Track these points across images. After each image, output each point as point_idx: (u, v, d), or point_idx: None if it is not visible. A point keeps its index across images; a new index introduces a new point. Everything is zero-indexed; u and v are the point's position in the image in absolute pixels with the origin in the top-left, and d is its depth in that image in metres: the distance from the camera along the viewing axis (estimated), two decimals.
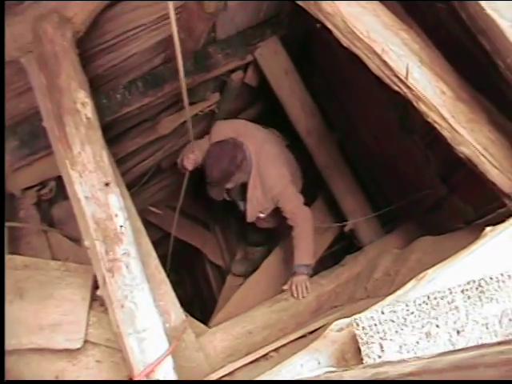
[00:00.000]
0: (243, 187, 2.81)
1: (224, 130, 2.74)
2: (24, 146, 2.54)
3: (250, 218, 2.88)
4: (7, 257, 1.98)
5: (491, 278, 1.04)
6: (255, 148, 2.65)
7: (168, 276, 2.09)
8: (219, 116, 3.82)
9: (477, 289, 1.03)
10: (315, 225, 2.76)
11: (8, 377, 1.67)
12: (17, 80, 2.25)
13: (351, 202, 3.25)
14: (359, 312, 1.09)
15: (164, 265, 2.12)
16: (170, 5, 1.46)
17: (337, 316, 1.77)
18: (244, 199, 2.86)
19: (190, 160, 2.66)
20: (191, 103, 3.55)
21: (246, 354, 1.85)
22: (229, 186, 2.64)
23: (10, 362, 1.71)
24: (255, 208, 2.80)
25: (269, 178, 2.65)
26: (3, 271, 1.71)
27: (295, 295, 2.43)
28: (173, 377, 1.54)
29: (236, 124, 2.83)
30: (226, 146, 2.55)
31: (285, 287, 2.52)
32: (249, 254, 3.85)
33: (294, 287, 2.45)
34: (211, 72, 3.19)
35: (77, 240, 2.29)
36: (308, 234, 2.61)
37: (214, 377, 1.71)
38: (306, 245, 2.60)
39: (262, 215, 2.85)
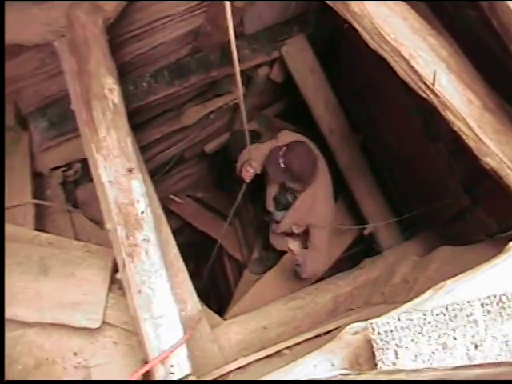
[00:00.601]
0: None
1: (294, 139, 2.75)
2: (53, 127, 2.59)
3: (283, 227, 2.90)
4: (34, 233, 2.05)
5: None
6: (322, 170, 2.70)
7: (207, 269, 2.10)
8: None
9: (497, 304, 1.01)
10: (335, 225, 2.85)
11: (30, 347, 1.74)
12: (49, 63, 2.30)
13: (372, 205, 3.25)
14: (375, 317, 1.09)
15: (181, 254, 2.14)
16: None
17: (353, 319, 1.78)
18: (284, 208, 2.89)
19: (249, 173, 2.71)
20: (216, 95, 3.59)
21: (260, 349, 1.87)
22: (291, 185, 2.68)
23: (33, 333, 1.78)
24: (294, 219, 2.83)
25: (320, 208, 2.71)
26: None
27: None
28: (187, 365, 1.57)
29: (305, 139, 2.82)
30: (310, 152, 2.58)
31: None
32: (263, 258, 3.89)
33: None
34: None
35: (99, 222, 2.34)
36: (316, 264, 2.71)
37: (227, 369, 1.73)
38: (312, 262, 2.69)
39: (296, 230, 2.87)
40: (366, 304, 2.26)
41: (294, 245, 2.78)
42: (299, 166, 2.50)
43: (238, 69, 1.84)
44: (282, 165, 2.53)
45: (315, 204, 2.70)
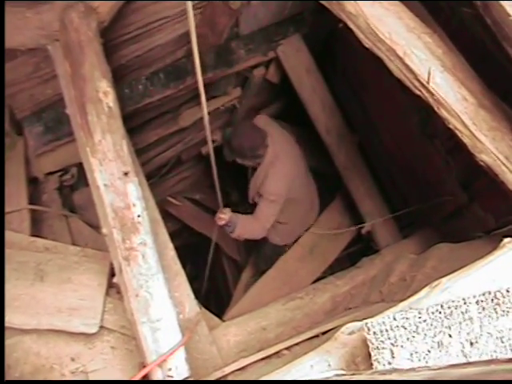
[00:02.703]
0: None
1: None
2: (48, 132, 2.58)
3: (250, 198, 3.13)
4: (30, 239, 2.04)
5: (508, 291, 1.02)
6: (274, 149, 2.87)
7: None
8: (240, 111, 3.83)
9: (492, 301, 1.02)
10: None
11: (26, 354, 1.74)
12: (44, 67, 2.30)
13: (369, 205, 3.25)
14: (372, 316, 1.09)
15: (180, 256, 2.14)
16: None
17: (350, 318, 1.77)
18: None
19: (221, 221, 2.96)
20: (212, 97, 3.59)
21: (259, 350, 1.87)
22: (239, 161, 2.91)
23: (30, 340, 1.77)
24: (252, 191, 3.07)
25: (270, 183, 2.88)
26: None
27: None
28: (185, 368, 1.57)
29: (276, 127, 3.07)
30: (252, 130, 2.79)
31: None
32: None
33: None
34: (233, 67, 3.20)
35: (96, 227, 2.33)
36: (249, 227, 2.96)
37: (226, 370, 1.73)
38: (244, 223, 2.94)
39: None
40: (364, 303, 2.26)
41: (223, 212, 2.95)
42: (237, 143, 2.75)
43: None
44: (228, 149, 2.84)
45: (266, 179, 2.88)
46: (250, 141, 2.74)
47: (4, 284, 1.73)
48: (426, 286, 1.20)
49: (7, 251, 1.87)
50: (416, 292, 1.22)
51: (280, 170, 2.88)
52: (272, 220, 2.98)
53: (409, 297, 1.19)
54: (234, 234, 2.99)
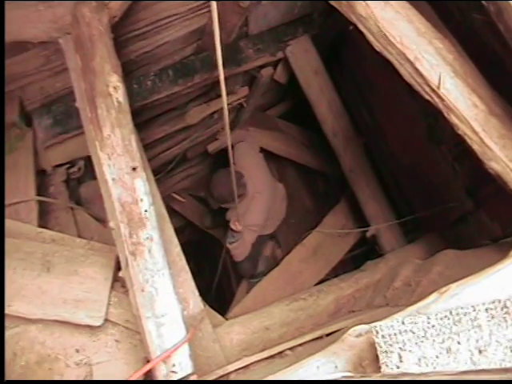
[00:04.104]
0: None
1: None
2: (57, 125, 2.59)
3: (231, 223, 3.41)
4: (38, 230, 2.05)
5: None
6: (253, 184, 3.23)
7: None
8: (247, 110, 3.84)
9: (502, 309, 1.01)
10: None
11: (32, 343, 1.75)
12: (54, 60, 2.31)
13: (375, 208, 3.25)
14: (377, 320, 1.09)
15: (184, 252, 2.14)
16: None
17: (355, 321, 1.77)
18: None
19: (236, 228, 3.26)
20: (219, 96, 3.58)
21: (262, 350, 1.86)
22: (224, 206, 3.24)
23: (35, 329, 1.78)
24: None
25: (251, 215, 3.24)
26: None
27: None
28: (189, 364, 1.57)
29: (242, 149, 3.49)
30: (229, 178, 2.92)
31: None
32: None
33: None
34: (241, 66, 3.20)
35: (102, 220, 2.34)
36: (242, 247, 3.39)
37: (229, 369, 1.73)
38: (242, 242, 3.32)
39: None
40: (368, 307, 2.26)
41: (240, 224, 3.21)
42: (217, 193, 3.11)
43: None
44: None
45: (248, 211, 3.22)
46: (228, 187, 2.87)
47: (4, 280, 1.74)
48: (432, 291, 1.19)
49: (15, 241, 1.88)
50: (421, 297, 1.22)
51: (260, 204, 3.20)
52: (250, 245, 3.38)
53: (415, 301, 1.19)
54: (231, 246, 3.30)
